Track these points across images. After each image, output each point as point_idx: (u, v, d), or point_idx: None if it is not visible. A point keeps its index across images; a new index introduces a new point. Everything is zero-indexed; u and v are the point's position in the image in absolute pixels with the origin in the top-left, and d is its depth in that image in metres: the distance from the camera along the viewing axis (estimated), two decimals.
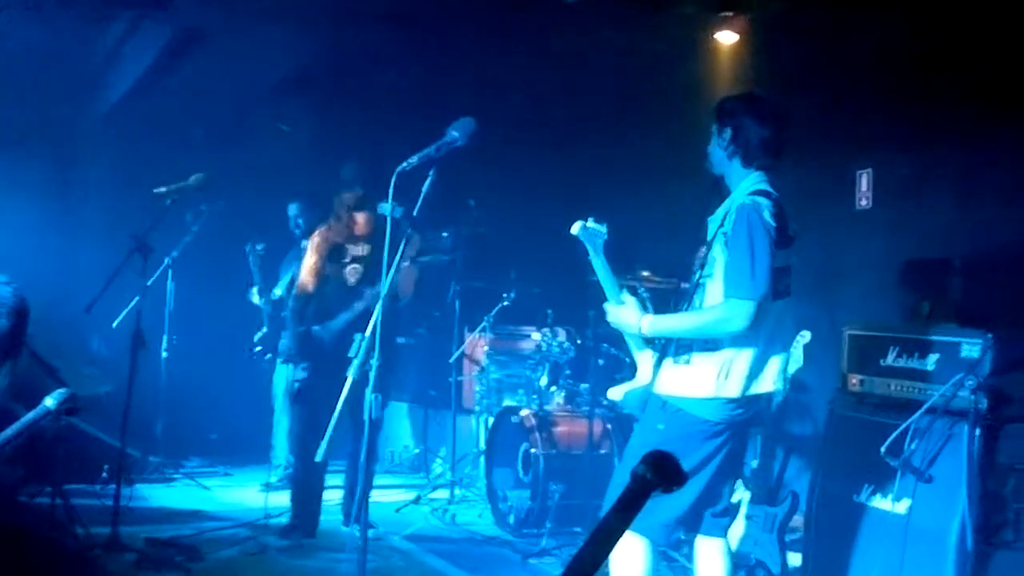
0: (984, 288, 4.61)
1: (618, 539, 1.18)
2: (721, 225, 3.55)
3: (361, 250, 5.71)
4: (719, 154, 3.67)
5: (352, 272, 5.70)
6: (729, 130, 3.62)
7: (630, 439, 3.90)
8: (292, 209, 6.98)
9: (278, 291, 6.98)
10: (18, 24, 6.51)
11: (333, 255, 5.72)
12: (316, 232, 5.83)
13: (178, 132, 7.59)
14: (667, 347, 3.66)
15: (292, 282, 6.51)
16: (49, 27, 6.62)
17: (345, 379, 5.26)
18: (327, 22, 6.67)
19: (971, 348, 3.96)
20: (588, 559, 1.14)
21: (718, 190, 3.76)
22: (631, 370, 5.97)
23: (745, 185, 3.59)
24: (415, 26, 6.75)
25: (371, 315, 5.31)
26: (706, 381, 3.50)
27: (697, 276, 3.63)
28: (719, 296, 3.49)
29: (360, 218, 5.71)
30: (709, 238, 3.62)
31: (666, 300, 5.47)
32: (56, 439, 4.81)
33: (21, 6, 6.22)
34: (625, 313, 3.70)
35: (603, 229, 3.74)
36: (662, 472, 1.25)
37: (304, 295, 5.75)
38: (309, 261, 5.76)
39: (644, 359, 3.79)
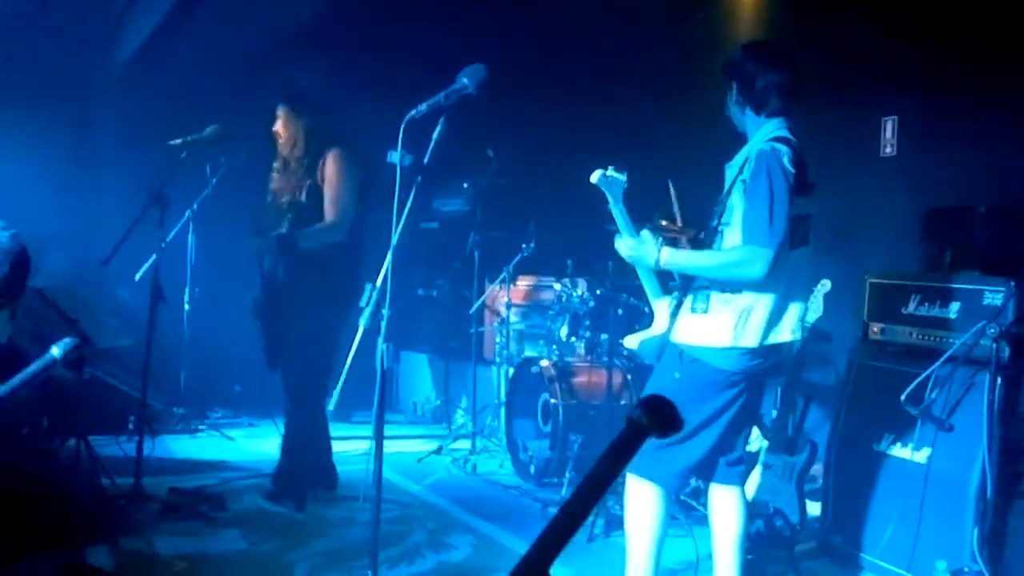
0: (1008, 236, 4.54)
1: (609, 484, 1.17)
2: (740, 172, 3.50)
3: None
4: (734, 110, 3.67)
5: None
6: (735, 83, 3.62)
7: (645, 387, 3.89)
8: None
9: None
10: None
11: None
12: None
13: (194, 85, 7.56)
14: (684, 295, 3.63)
15: None
16: None
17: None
18: None
19: (994, 296, 3.92)
20: (579, 504, 1.13)
21: (737, 137, 3.72)
22: (650, 320, 5.96)
23: (764, 132, 3.55)
24: None
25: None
26: (724, 330, 3.48)
27: (715, 223, 3.59)
28: (737, 243, 3.46)
29: None
30: (728, 185, 3.58)
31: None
32: (80, 390, 4.86)
33: None
34: (641, 246, 3.65)
35: (623, 177, 3.71)
36: (658, 418, 1.24)
37: None
38: None
39: (661, 308, 3.77)
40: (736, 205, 3.48)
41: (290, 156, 5.22)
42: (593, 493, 1.15)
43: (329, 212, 5.11)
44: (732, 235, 3.49)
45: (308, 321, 5.10)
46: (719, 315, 3.49)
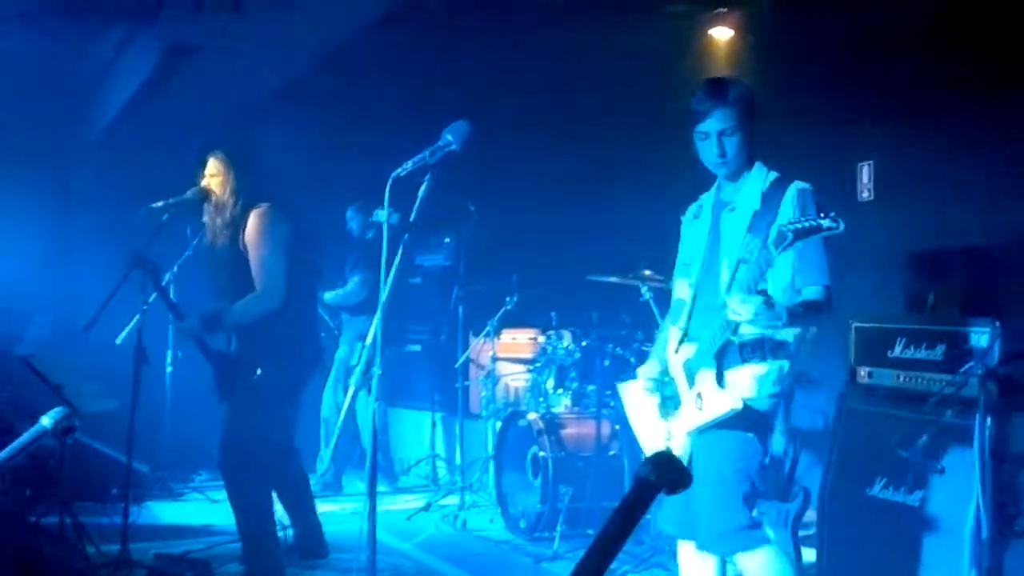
0: (988, 275, 4.58)
1: (621, 544, 1.16)
2: (766, 211, 3.31)
3: None
4: (745, 148, 3.45)
5: None
6: (756, 121, 3.47)
7: (715, 460, 3.39)
8: (348, 212, 7.35)
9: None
10: (9, 44, 6.52)
11: None
12: None
13: (175, 147, 7.59)
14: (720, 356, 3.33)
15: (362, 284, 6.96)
16: (40, 47, 6.60)
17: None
18: (318, 30, 6.65)
19: (979, 337, 3.93)
20: (593, 564, 1.12)
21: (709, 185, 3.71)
22: (633, 370, 5.93)
23: (760, 173, 3.46)
24: (408, 30, 6.73)
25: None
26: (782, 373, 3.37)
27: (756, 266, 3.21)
28: (788, 286, 3.31)
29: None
30: (747, 227, 3.34)
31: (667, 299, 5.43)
32: (63, 458, 4.79)
33: (14, 22, 6.23)
34: (742, 307, 3.13)
35: None
36: (666, 473, 1.23)
37: None
38: None
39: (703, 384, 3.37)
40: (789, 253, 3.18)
41: (220, 214, 4.82)
42: (606, 555, 1.13)
43: (257, 281, 4.69)
44: (780, 276, 3.30)
45: (248, 392, 4.79)
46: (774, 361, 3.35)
